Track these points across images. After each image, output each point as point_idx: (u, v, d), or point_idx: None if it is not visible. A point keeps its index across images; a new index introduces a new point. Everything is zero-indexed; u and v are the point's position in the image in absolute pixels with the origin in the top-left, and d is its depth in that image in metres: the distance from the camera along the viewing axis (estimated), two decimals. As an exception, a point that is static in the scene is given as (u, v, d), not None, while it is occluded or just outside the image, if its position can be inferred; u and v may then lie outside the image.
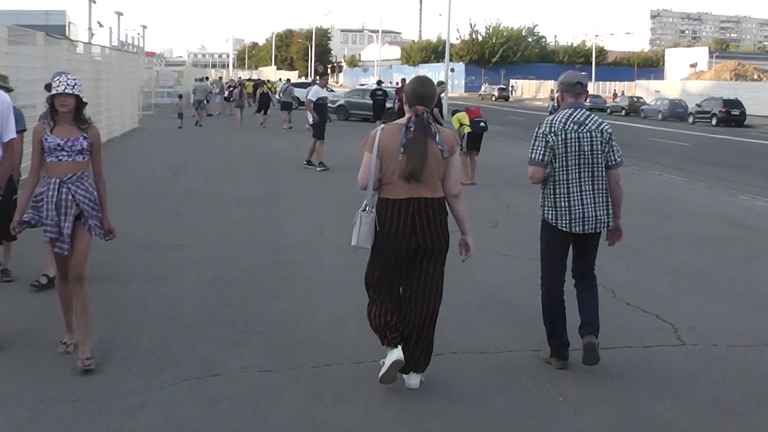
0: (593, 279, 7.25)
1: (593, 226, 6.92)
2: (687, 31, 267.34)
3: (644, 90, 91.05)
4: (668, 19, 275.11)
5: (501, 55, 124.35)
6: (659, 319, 8.55)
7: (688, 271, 11.01)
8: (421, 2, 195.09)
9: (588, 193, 6.89)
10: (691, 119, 62.61)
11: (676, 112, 66.01)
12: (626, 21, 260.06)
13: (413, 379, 6.43)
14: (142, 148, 27.77)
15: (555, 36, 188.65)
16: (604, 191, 6.97)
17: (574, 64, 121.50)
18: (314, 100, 22.42)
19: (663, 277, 10.61)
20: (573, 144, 6.83)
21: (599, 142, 6.88)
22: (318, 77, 23.58)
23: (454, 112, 20.98)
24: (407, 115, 6.28)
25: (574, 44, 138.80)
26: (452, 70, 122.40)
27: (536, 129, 7.03)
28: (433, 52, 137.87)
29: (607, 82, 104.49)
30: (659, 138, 42.08)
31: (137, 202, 15.51)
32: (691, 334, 8.05)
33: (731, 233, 14.15)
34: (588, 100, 75.94)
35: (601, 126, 6.97)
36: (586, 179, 6.89)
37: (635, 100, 76.57)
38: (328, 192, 17.51)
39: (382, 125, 6.46)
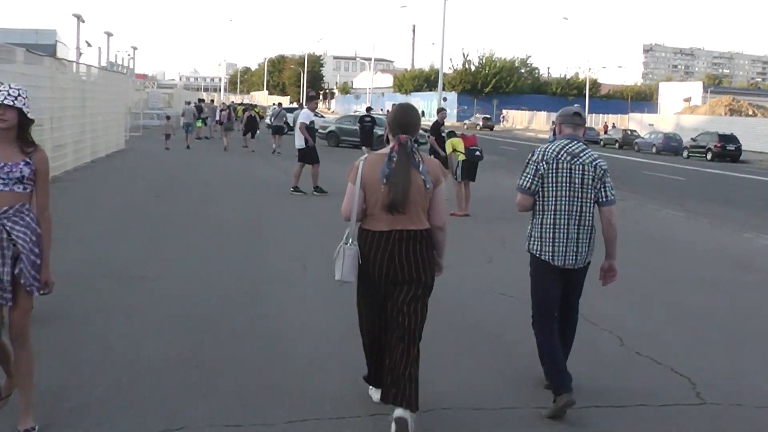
0: (575, 319, 7.12)
1: (574, 260, 6.72)
2: (680, 66, 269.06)
3: (638, 123, 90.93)
4: (661, 53, 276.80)
5: (494, 85, 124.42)
6: (674, 372, 7.73)
7: (699, 317, 10.19)
8: (414, 31, 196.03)
9: (574, 227, 6.70)
10: (685, 153, 62.42)
11: (670, 145, 65.56)
12: (619, 55, 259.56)
13: (404, 413, 5.89)
14: (125, 169, 26.97)
15: (548, 68, 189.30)
16: (590, 228, 6.76)
17: (566, 96, 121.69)
18: (308, 123, 21.83)
19: (673, 323, 9.80)
20: (564, 175, 6.67)
21: (591, 177, 6.70)
22: (307, 101, 22.97)
23: (449, 135, 20.28)
24: (390, 144, 6.11)
25: (567, 76, 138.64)
26: (445, 99, 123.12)
27: (529, 156, 6.86)
28: (426, 81, 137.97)
29: (601, 115, 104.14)
30: (654, 171, 41.42)
31: (112, 226, 14.74)
32: (711, 390, 7.22)
33: (739, 275, 13.39)
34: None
35: (596, 161, 6.75)
36: (574, 213, 6.69)
37: (629, 133, 76.58)
38: (314, 220, 16.73)
39: (366, 155, 6.29)
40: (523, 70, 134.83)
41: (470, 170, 19.06)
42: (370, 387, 6.59)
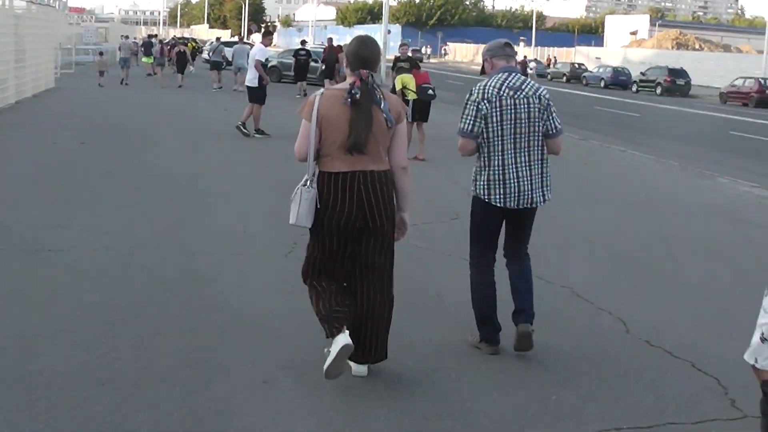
0: (527, 261, 6.67)
1: (529, 200, 6.36)
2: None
3: (585, 57, 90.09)
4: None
5: (438, 17, 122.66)
6: (698, 370, 6.34)
7: (709, 296, 8.66)
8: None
9: (524, 165, 6.33)
10: (635, 88, 61.97)
11: (619, 80, 65.34)
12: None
13: (362, 367, 5.90)
14: (52, 110, 24.87)
15: (493, 0, 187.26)
16: (541, 163, 6.43)
17: (512, 29, 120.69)
18: (263, 60, 20.43)
19: (681, 303, 8.29)
20: (509, 112, 6.27)
21: (537, 109, 6.34)
22: (263, 36, 21.50)
23: (398, 70, 18.65)
24: (349, 80, 5.68)
25: (513, 9, 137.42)
26: (389, 31, 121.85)
27: (467, 96, 6.41)
28: (369, 13, 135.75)
29: (547, 48, 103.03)
30: (606, 107, 40.43)
31: (26, 182, 12.94)
32: (748, 397, 5.57)
33: (735, 233, 12.07)
34: (533, 65, 75.01)
35: (539, 91, 6.42)
36: (522, 150, 6.32)
37: (576, 66, 75.44)
38: (261, 169, 15.14)
39: (322, 90, 5.80)
40: (468, 3, 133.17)
41: (423, 110, 17.60)
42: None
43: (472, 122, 6.31)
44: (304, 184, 5.62)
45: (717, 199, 14.77)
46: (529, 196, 6.34)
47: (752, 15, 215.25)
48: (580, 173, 16.93)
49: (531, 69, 65.00)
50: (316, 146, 5.61)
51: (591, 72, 70.11)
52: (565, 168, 16.62)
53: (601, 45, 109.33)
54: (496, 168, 6.30)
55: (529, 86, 6.39)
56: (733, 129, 32.04)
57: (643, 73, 62.73)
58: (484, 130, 6.29)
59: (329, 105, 5.59)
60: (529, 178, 6.33)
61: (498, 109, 6.26)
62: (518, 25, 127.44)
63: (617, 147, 22.37)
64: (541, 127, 6.37)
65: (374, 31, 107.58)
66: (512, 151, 6.29)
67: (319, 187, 5.62)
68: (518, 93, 6.31)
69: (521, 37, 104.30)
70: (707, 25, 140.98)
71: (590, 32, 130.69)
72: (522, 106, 6.29)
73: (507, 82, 6.35)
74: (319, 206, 5.62)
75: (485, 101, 6.28)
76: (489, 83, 6.37)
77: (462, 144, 6.41)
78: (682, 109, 43.21)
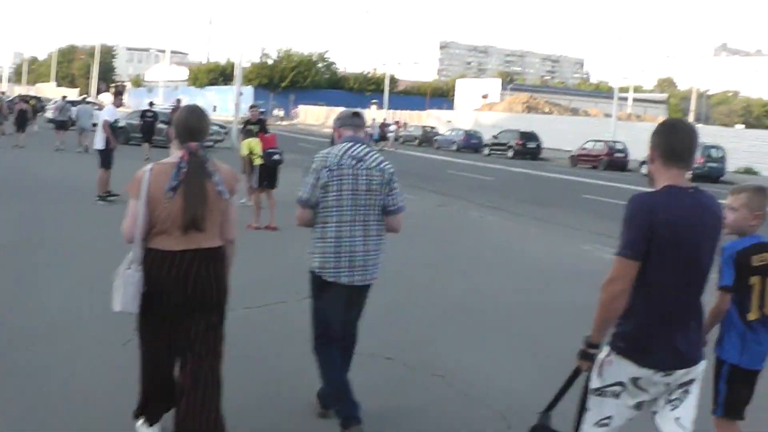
0: (353, 341, 6.54)
1: (362, 276, 6.15)
2: (473, 63, 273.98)
3: (437, 120, 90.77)
4: (456, 50, 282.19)
5: (291, 79, 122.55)
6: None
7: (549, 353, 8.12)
8: (211, 24, 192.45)
9: (360, 239, 6.11)
10: (487, 151, 62.35)
11: (470, 143, 65.84)
12: (416, 51, 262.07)
13: None
14: None
15: (345, 64, 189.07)
16: (378, 239, 6.23)
17: (364, 92, 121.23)
18: (111, 121, 19.24)
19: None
20: (349, 181, 6.07)
21: (378, 182, 6.15)
22: (114, 96, 20.41)
23: (246, 133, 17.97)
24: (178, 153, 5.37)
25: (366, 72, 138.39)
26: (241, 93, 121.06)
27: (309, 164, 6.19)
28: (222, 75, 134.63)
29: (399, 111, 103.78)
30: (460, 171, 40.23)
31: None
32: None
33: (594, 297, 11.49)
34: (385, 128, 75.07)
35: (382, 164, 6.24)
36: (359, 223, 6.10)
37: (428, 130, 75.82)
38: (102, 237, 13.73)
39: (151, 165, 5.41)
40: (320, 65, 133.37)
41: (270, 175, 16.78)
42: (141, 421, 5.76)
43: (310, 191, 6.08)
44: (128, 267, 5.20)
45: (584, 266, 14.36)
46: (362, 271, 6.15)
47: (597, 80, 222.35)
48: (445, 238, 16.52)
49: (391, 132, 64.94)
50: (147, 225, 5.22)
51: (443, 135, 70.59)
52: (426, 234, 16.03)
53: (452, 108, 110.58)
54: (331, 240, 6.08)
55: (372, 158, 6.21)
56: (585, 192, 32.24)
57: (495, 137, 63.21)
58: (323, 199, 6.07)
59: (158, 180, 5.24)
60: (363, 254, 6.13)
61: (338, 179, 6.05)
62: (370, 87, 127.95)
63: (475, 212, 22.06)
64: (380, 201, 6.18)
65: (226, 93, 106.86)
66: (349, 224, 6.08)
67: (148, 267, 5.23)
68: (360, 164, 6.13)
69: (373, 100, 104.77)
70: (556, 88, 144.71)
71: (442, 95, 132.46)
72: (362, 177, 6.10)
73: (350, 151, 6.16)
74: (146, 288, 5.21)
75: (326, 170, 6.06)
76: (332, 152, 6.18)
77: (300, 213, 6.18)
78: (534, 172, 43.54)
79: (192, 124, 5.49)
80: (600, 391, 4.45)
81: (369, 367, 7.57)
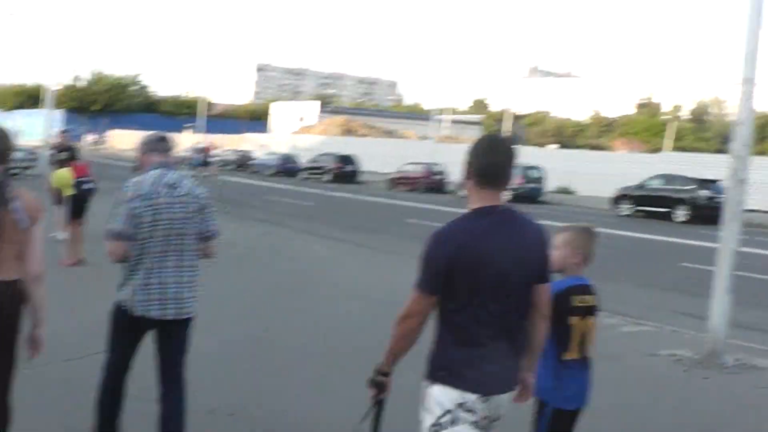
0: (180, 391, 5.95)
1: (178, 309, 5.78)
2: (289, 85, 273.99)
3: (254, 144, 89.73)
4: (272, 73, 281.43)
5: (104, 103, 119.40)
6: None
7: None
8: (16, 44, 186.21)
9: (172, 269, 5.76)
10: (305, 174, 61.84)
11: (287, 167, 65.13)
12: (233, 74, 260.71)
13: None
14: None
15: (159, 87, 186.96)
16: (191, 269, 5.89)
17: (178, 115, 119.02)
18: None
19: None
20: (163, 210, 5.72)
21: (194, 209, 5.87)
22: None
23: (58, 163, 16.61)
24: None
25: (181, 95, 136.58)
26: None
27: (119, 195, 5.81)
28: (30, 97, 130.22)
29: (216, 135, 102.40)
30: (280, 197, 39.40)
31: None
32: None
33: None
34: (207, 153, 73.33)
35: (196, 191, 6.00)
36: (173, 253, 5.77)
37: (244, 154, 74.57)
38: None
39: None
40: (132, 88, 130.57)
41: (80, 207, 15.38)
42: None
43: (123, 223, 5.67)
44: None
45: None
46: (178, 304, 5.80)
47: (412, 101, 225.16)
48: (275, 268, 15.87)
49: (212, 157, 63.70)
50: None
51: (259, 160, 69.73)
52: (254, 264, 15.18)
53: (268, 131, 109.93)
54: (140, 272, 5.71)
55: (185, 185, 5.94)
56: (408, 216, 31.92)
57: (313, 160, 62.72)
58: (137, 230, 5.69)
59: None
60: (177, 285, 5.80)
61: (152, 208, 5.71)
62: (185, 111, 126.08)
63: (299, 240, 21.42)
64: (195, 229, 5.91)
65: (35, 117, 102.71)
66: (160, 255, 5.73)
67: None
68: (174, 191, 5.83)
69: (186, 124, 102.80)
70: (372, 110, 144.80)
71: (259, 119, 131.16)
72: (177, 206, 5.82)
73: (162, 179, 5.85)
74: None
75: (138, 199, 5.70)
76: (144, 180, 5.84)
77: (113, 248, 5.70)
78: (354, 197, 43.17)
79: None
80: (437, 426, 4.30)
81: (211, 426, 6.97)
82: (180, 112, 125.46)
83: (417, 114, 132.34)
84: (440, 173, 53.69)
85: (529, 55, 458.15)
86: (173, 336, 5.95)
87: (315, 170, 60.99)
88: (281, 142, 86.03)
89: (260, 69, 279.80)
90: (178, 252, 5.82)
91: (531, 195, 45.16)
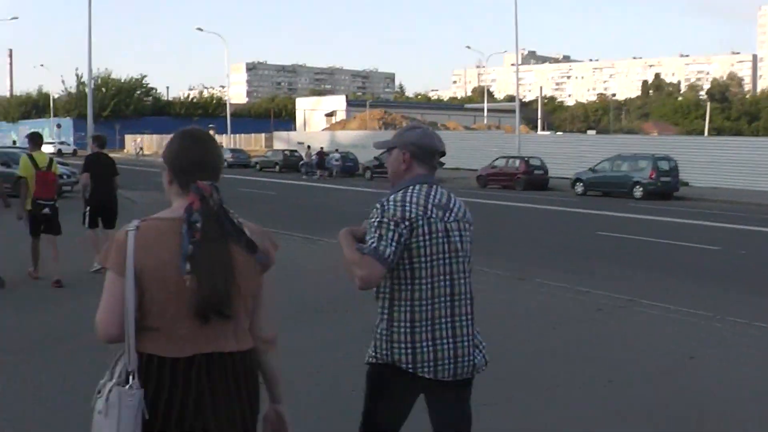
0: None
1: (467, 366, 4.24)
2: (283, 83, 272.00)
3: (284, 142, 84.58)
4: (264, 71, 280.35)
5: (113, 108, 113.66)
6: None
7: None
8: (11, 55, 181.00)
9: (462, 317, 4.23)
10: (368, 174, 55.67)
11: (346, 166, 59.16)
12: (222, 74, 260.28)
13: None
14: None
15: (167, 87, 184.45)
16: (472, 314, 4.31)
17: (192, 117, 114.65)
18: None
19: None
20: (440, 240, 4.19)
21: (469, 239, 4.35)
22: None
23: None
24: (179, 202, 3.31)
25: (190, 96, 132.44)
26: (59, 125, 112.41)
27: (376, 210, 4.18)
28: (35, 107, 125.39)
29: (242, 135, 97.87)
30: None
31: None
32: None
33: None
34: (231, 156, 67.35)
35: (467, 214, 4.44)
36: (460, 297, 4.24)
37: (288, 154, 68.01)
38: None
39: (136, 222, 3.24)
40: (139, 92, 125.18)
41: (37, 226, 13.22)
42: None
43: (394, 247, 4.05)
44: (121, 383, 3.08)
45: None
46: (467, 360, 4.21)
47: (414, 92, 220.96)
48: None
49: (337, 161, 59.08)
50: (136, 313, 3.13)
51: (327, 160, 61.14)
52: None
53: (292, 129, 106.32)
54: (424, 322, 4.13)
55: (457, 206, 4.37)
56: (597, 227, 26.42)
57: (376, 158, 55.73)
58: (405, 266, 4.12)
59: (154, 246, 3.13)
60: (463, 337, 4.21)
61: (427, 237, 4.14)
62: (198, 112, 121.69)
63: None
64: (469, 265, 4.32)
65: (42, 126, 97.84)
66: (445, 298, 4.18)
67: (145, 384, 3.13)
68: (448, 215, 4.26)
69: (210, 125, 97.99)
70: (401, 103, 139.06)
71: (275, 117, 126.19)
72: (455, 233, 4.25)
73: (432, 197, 4.23)
74: (146, 416, 3.10)
75: (407, 221, 4.11)
76: (409, 198, 4.20)
77: (370, 271, 3.99)
78: (484, 201, 36.05)
79: (194, 155, 3.30)
80: None
81: None
82: (193, 114, 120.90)
83: (449, 105, 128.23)
84: (541, 168, 47.78)
85: (523, 40, 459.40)
86: (461, 396, 4.41)
87: (378, 168, 52.66)
88: (318, 139, 79.29)
89: (251, 68, 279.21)
90: (463, 295, 4.30)
91: (665, 190, 40.38)
